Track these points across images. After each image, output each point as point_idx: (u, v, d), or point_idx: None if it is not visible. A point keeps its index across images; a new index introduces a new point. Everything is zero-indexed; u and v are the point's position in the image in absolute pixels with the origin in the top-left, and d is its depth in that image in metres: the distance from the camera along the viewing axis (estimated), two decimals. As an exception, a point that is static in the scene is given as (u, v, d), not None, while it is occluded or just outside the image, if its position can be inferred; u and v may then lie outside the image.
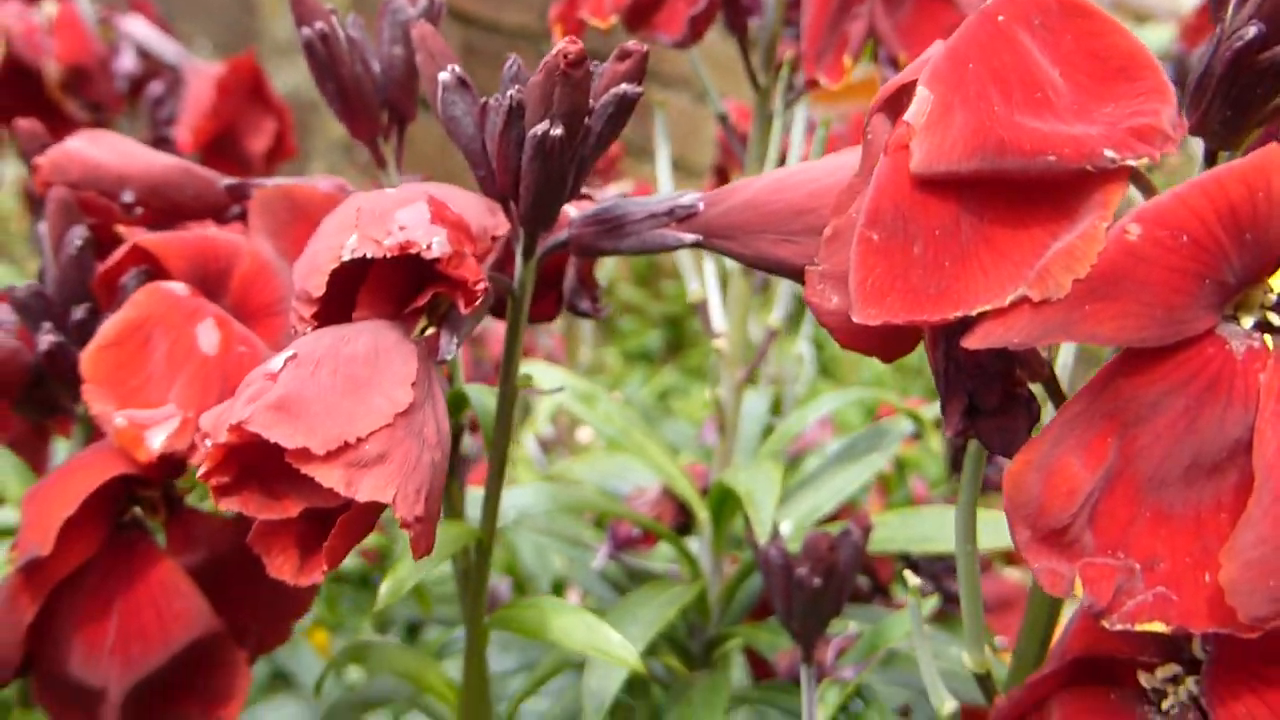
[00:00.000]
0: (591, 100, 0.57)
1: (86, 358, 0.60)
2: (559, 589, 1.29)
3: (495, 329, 1.70)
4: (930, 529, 0.87)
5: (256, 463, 0.49)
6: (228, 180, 0.73)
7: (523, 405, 1.83)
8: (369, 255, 0.52)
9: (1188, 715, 0.45)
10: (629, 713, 0.99)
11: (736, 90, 1.04)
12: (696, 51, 0.92)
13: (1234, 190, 0.37)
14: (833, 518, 0.92)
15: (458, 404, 0.75)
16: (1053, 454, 0.40)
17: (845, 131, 1.27)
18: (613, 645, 0.66)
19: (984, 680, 0.56)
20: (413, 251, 0.52)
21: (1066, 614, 0.56)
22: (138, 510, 0.63)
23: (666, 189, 0.97)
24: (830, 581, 0.70)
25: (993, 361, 0.44)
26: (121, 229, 0.70)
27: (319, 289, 0.53)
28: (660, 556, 1.02)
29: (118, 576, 0.61)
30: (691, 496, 0.94)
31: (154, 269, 0.65)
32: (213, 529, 0.64)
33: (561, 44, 0.53)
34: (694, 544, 0.96)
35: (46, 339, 0.64)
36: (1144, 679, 0.46)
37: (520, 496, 0.87)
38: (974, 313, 0.39)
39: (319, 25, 0.70)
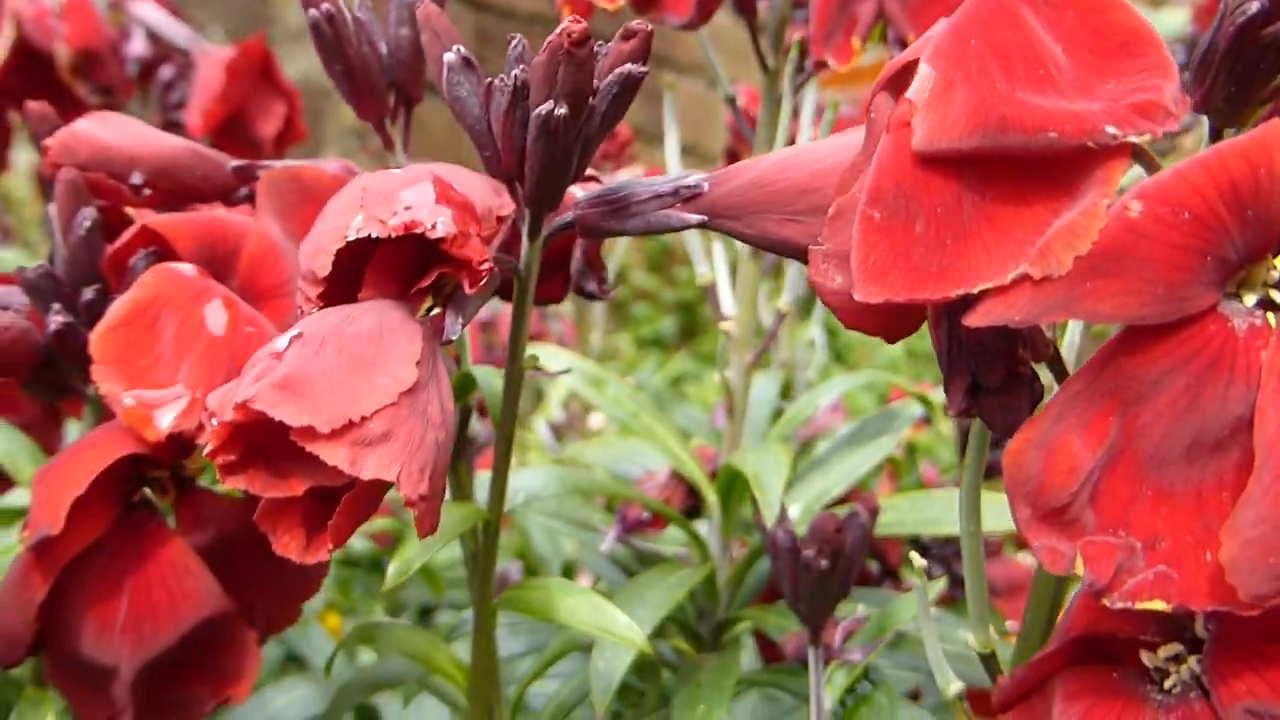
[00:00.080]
0: (596, 80, 0.57)
1: (96, 338, 0.60)
2: (569, 572, 1.29)
3: (506, 313, 1.70)
4: (939, 512, 0.87)
5: (262, 441, 0.49)
6: (235, 162, 0.73)
7: (536, 391, 1.84)
8: (374, 235, 0.52)
9: (1190, 694, 0.45)
10: (638, 695, 0.99)
11: (747, 74, 1.04)
12: (706, 34, 0.92)
13: (1235, 167, 0.37)
14: (842, 501, 0.92)
15: (465, 386, 0.75)
16: (1053, 432, 0.40)
17: (854, 114, 1.27)
18: (619, 626, 0.66)
19: (989, 660, 0.57)
20: (418, 231, 0.52)
21: (1072, 595, 0.56)
22: (147, 490, 0.64)
23: (675, 172, 0.97)
24: (837, 564, 0.70)
25: (995, 340, 0.44)
26: (130, 210, 0.71)
27: (325, 269, 0.53)
28: (670, 540, 1.02)
29: (128, 556, 0.61)
30: (700, 480, 0.94)
31: (162, 250, 0.65)
32: (222, 509, 0.64)
33: (565, 23, 0.53)
34: (703, 527, 0.96)
35: (56, 319, 0.64)
36: (1146, 658, 0.46)
37: (530, 479, 0.87)
38: (975, 290, 0.39)
39: (325, 6, 0.70)
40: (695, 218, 0.59)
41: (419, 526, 0.51)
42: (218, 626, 0.63)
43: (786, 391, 1.30)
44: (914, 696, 0.93)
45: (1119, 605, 0.40)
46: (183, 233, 0.65)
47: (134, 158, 0.70)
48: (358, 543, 1.28)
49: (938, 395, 1.05)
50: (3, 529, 1.01)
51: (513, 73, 0.56)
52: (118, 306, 0.61)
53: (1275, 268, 0.39)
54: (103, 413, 0.68)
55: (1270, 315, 0.39)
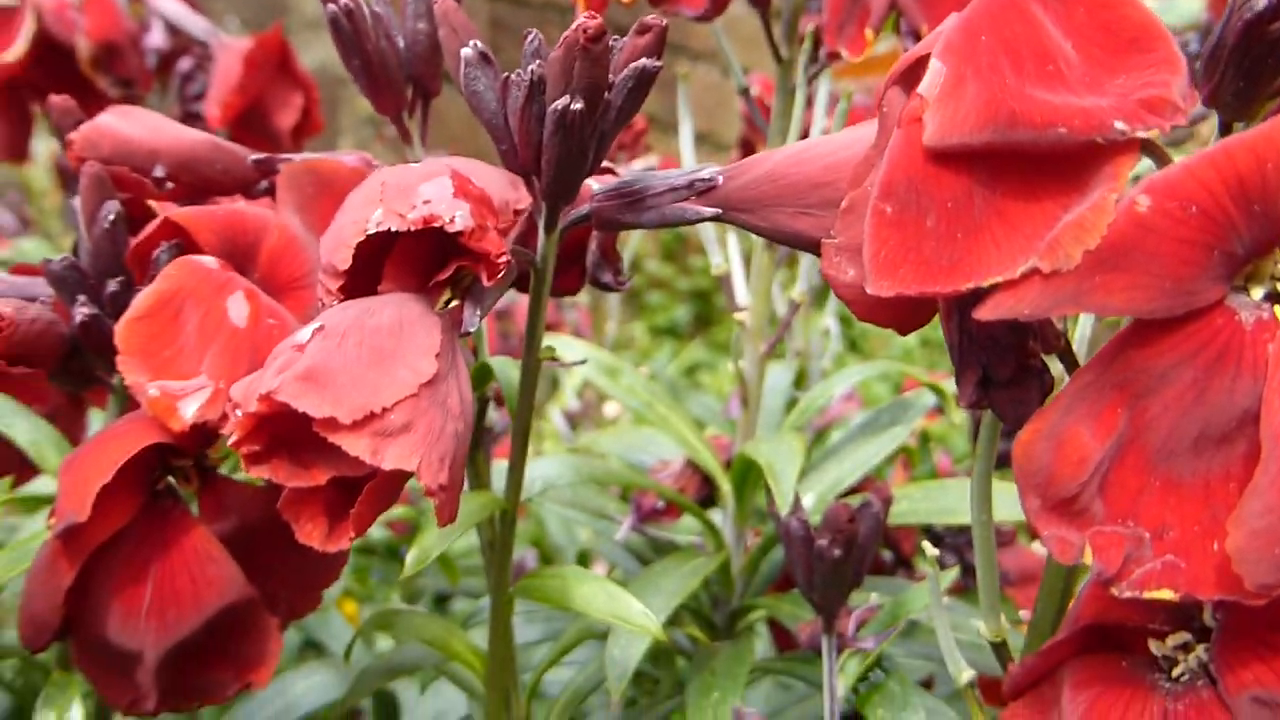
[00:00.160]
0: (612, 75, 0.57)
1: (120, 330, 0.61)
2: (585, 560, 1.30)
3: (522, 304, 1.71)
4: (953, 501, 0.88)
5: (286, 432, 0.50)
6: (255, 155, 0.74)
7: (551, 380, 1.85)
8: (393, 229, 0.53)
9: (1197, 682, 0.45)
10: (653, 682, 1.00)
11: (761, 62, 1.04)
12: (721, 24, 0.93)
13: (1242, 161, 0.37)
14: (856, 490, 0.93)
15: (483, 376, 0.76)
16: (1062, 424, 0.41)
17: (868, 104, 1.27)
18: (634, 614, 0.67)
19: (1000, 649, 0.57)
20: (436, 225, 0.53)
21: (1082, 584, 0.56)
22: (171, 479, 0.65)
23: (689, 163, 0.98)
24: (850, 553, 0.71)
25: (1006, 333, 0.44)
26: (153, 203, 0.72)
27: (345, 262, 0.54)
28: (684, 529, 1.03)
29: (153, 543, 0.62)
30: (715, 469, 0.95)
31: (185, 243, 0.66)
32: (244, 498, 0.65)
33: (581, 19, 0.54)
34: (717, 516, 0.97)
35: (81, 311, 0.65)
36: (1154, 646, 0.46)
37: (545, 468, 0.88)
38: (986, 284, 0.39)
39: (344, 1, 0.71)
40: (709, 211, 0.59)
41: (438, 515, 0.52)
42: (240, 613, 0.64)
43: (801, 381, 1.30)
44: (926, 684, 0.94)
45: (1127, 594, 0.40)
46: (205, 225, 0.66)
47: (155, 151, 0.71)
48: (375, 531, 1.29)
49: (951, 385, 1.05)
50: (29, 516, 1.02)
51: (529, 68, 0.56)
52: (142, 298, 0.62)
53: (1282, 261, 0.40)
54: (127, 403, 0.69)
55: (1277, 308, 0.39)
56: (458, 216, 0.53)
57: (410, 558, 0.68)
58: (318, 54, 2.50)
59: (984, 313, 0.40)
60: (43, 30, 1.14)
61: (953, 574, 0.85)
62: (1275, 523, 0.37)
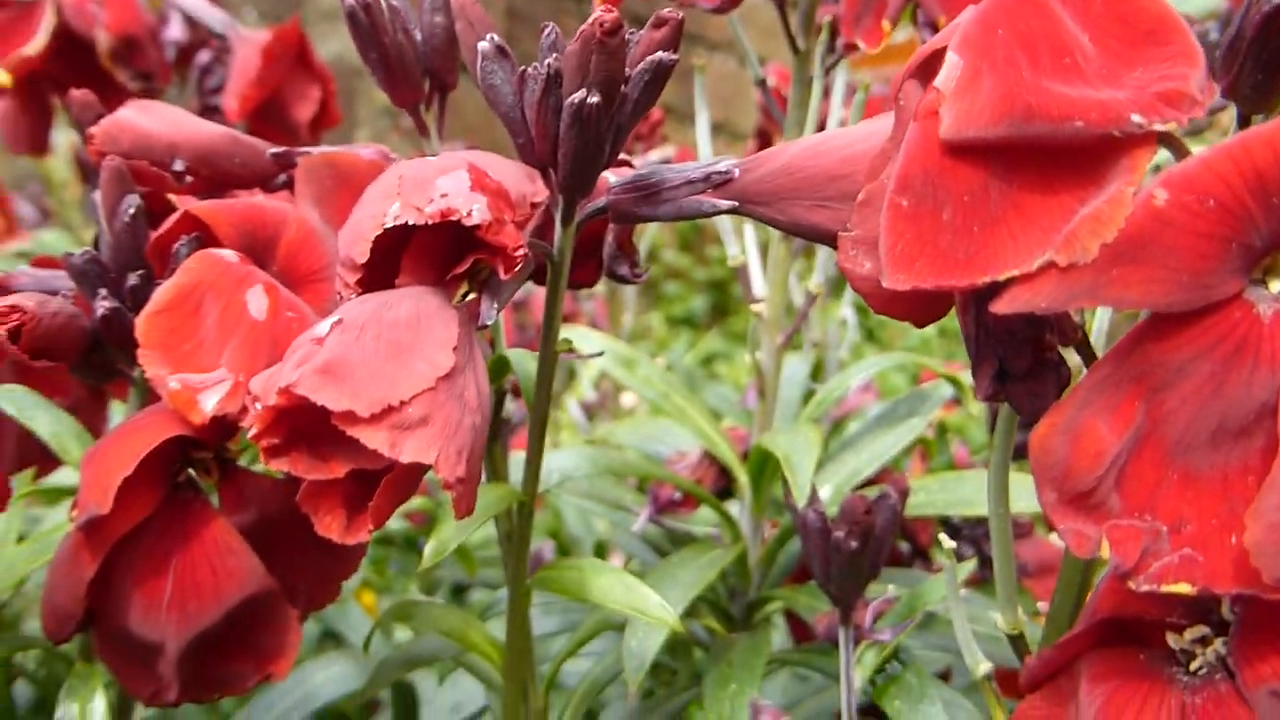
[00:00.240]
0: (628, 68, 0.58)
1: (141, 323, 0.62)
2: (602, 552, 1.31)
3: (538, 295, 1.71)
4: (970, 493, 0.88)
5: (305, 425, 0.50)
6: (274, 149, 0.74)
7: (568, 370, 1.85)
8: (411, 222, 0.53)
9: (1215, 675, 0.45)
10: (670, 674, 1.00)
11: (778, 52, 1.04)
12: (737, 15, 0.92)
13: (1260, 154, 0.37)
14: (873, 481, 0.93)
15: (500, 369, 0.76)
16: (1079, 417, 0.41)
17: (885, 95, 1.26)
18: (651, 606, 0.67)
19: (1017, 641, 0.57)
20: (453, 219, 0.53)
21: (1099, 577, 0.56)
22: (192, 471, 0.65)
23: (706, 154, 0.98)
24: (868, 544, 0.71)
25: (1022, 326, 0.44)
26: (172, 197, 0.72)
27: (363, 256, 0.54)
28: (701, 520, 1.03)
29: (174, 535, 0.63)
30: (732, 460, 0.95)
31: (205, 236, 0.67)
32: (263, 490, 0.66)
33: (597, 13, 0.54)
34: (734, 507, 0.97)
35: (103, 305, 0.66)
36: (1172, 640, 0.46)
37: (563, 460, 0.89)
38: (1002, 278, 0.39)
39: (362, -5, 0.71)
40: (726, 203, 0.59)
41: (456, 508, 0.52)
42: (260, 604, 0.64)
43: (817, 372, 1.30)
44: (944, 676, 0.94)
45: (1145, 588, 0.40)
46: (224, 219, 0.67)
47: (175, 145, 0.72)
48: (393, 522, 1.30)
49: (969, 376, 1.05)
50: (51, 507, 1.03)
51: (546, 61, 0.57)
52: (162, 292, 0.62)
53: (1301, 254, 0.40)
54: (148, 396, 0.70)
55: (1295, 302, 0.39)
56: (475, 210, 0.53)
57: (428, 550, 0.68)
58: (334, 45, 2.50)
59: (1000, 306, 0.40)
60: (63, 24, 1.15)
61: (970, 566, 0.85)
62: (1293, 516, 0.37)
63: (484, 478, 0.78)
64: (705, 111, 0.99)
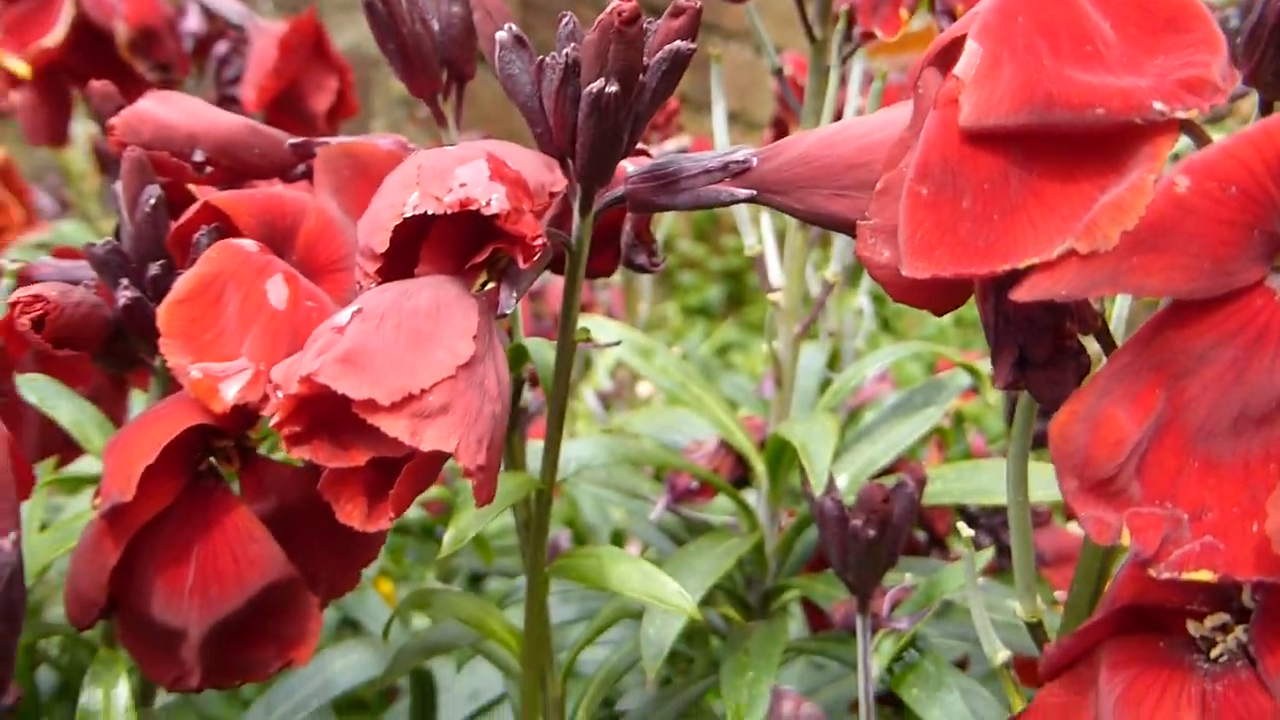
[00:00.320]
0: (646, 57, 0.58)
1: (163, 312, 0.62)
2: (619, 540, 1.31)
3: (555, 284, 1.71)
4: (987, 482, 0.88)
5: (326, 413, 0.51)
6: (292, 139, 0.75)
7: (583, 360, 1.85)
8: (430, 212, 0.53)
9: (1236, 663, 0.45)
10: (687, 662, 1.01)
11: (794, 40, 1.04)
12: (754, 4, 0.92)
13: (1283, 141, 0.37)
14: (889, 471, 0.93)
15: (518, 357, 0.76)
16: (1099, 405, 0.41)
17: (902, 84, 1.26)
18: (670, 594, 0.68)
19: (1036, 629, 0.57)
20: (472, 208, 0.53)
21: (1119, 565, 0.56)
22: (213, 460, 0.65)
23: (723, 143, 0.98)
24: (885, 532, 0.71)
25: (1042, 314, 0.44)
26: (192, 188, 0.73)
27: (382, 245, 0.54)
28: (718, 509, 1.03)
29: (195, 523, 0.63)
30: (749, 449, 0.95)
31: (225, 226, 0.67)
32: (283, 478, 0.66)
33: (616, 2, 0.54)
34: (751, 496, 0.97)
35: (124, 294, 0.66)
36: (1193, 628, 0.46)
37: (580, 449, 0.89)
38: (1022, 266, 0.39)
39: (379, -15, 0.71)
40: (744, 193, 0.60)
41: (476, 496, 0.52)
42: (281, 591, 0.64)
43: (834, 361, 1.30)
44: (961, 665, 0.94)
45: (1165, 575, 0.40)
46: (244, 209, 0.67)
47: (195, 136, 0.72)
48: (410, 511, 1.30)
49: (985, 365, 1.05)
50: (72, 496, 1.04)
51: (564, 51, 0.57)
52: (183, 281, 0.63)
53: (1324, 242, 0.39)
54: (169, 384, 0.70)
55: (1318, 289, 0.39)
56: (494, 199, 0.53)
57: (447, 538, 0.69)
58: (349, 36, 2.51)
59: (1020, 294, 0.40)
60: (81, 15, 1.15)
61: (987, 555, 0.85)
62: (1315, 504, 0.37)
63: (502, 466, 0.78)
64: (721, 101, 0.99)
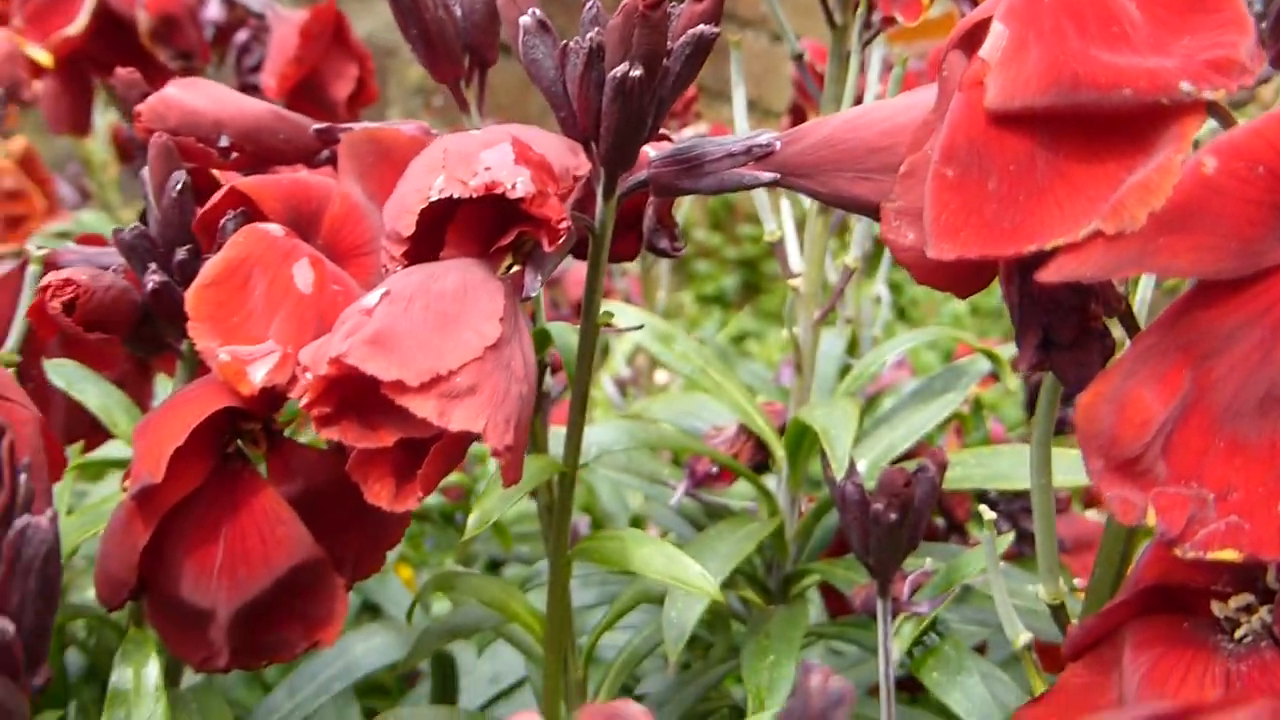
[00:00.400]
0: (669, 41, 0.58)
1: (190, 296, 0.63)
2: (637, 526, 1.31)
3: (572, 272, 1.72)
4: (1006, 467, 0.88)
5: (354, 395, 0.51)
6: (317, 125, 0.75)
7: (602, 347, 1.86)
8: (456, 195, 0.54)
9: (1260, 644, 0.45)
10: (707, 646, 1.01)
11: (813, 29, 1.04)
12: (772, -9, 0.92)
13: (1312, 121, 0.37)
14: (908, 456, 0.93)
15: (540, 341, 0.77)
16: (1125, 386, 0.41)
17: (922, 70, 1.26)
18: (692, 575, 0.68)
19: (1058, 611, 0.57)
20: (498, 192, 0.53)
21: (1140, 549, 0.56)
22: (241, 442, 0.66)
23: (743, 130, 0.98)
24: (906, 516, 0.71)
25: (1068, 295, 0.44)
26: (218, 173, 0.73)
27: (409, 229, 0.55)
28: (737, 494, 1.04)
29: (224, 505, 0.64)
30: (769, 434, 0.95)
31: (251, 211, 0.68)
32: (310, 461, 0.67)
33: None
34: (771, 481, 0.97)
35: (152, 279, 0.67)
36: (1217, 608, 0.46)
37: (601, 434, 0.89)
38: (1048, 247, 0.40)
39: (403, -29, 0.71)
40: (768, 176, 0.60)
41: (504, 476, 0.53)
42: (308, 573, 0.65)
43: (852, 348, 1.30)
44: (980, 650, 0.94)
45: (1190, 555, 0.40)
46: (269, 194, 0.67)
47: (220, 122, 0.73)
48: (429, 497, 1.31)
49: (1004, 351, 1.05)
50: (96, 482, 1.05)
51: (588, 35, 0.57)
52: (211, 266, 0.63)
53: (1350, 222, 0.39)
54: (195, 368, 0.71)
55: (1345, 269, 0.39)
56: (519, 183, 0.54)
57: (471, 520, 0.69)
58: (367, 24, 2.51)
59: (1047, 275, 0.40)
60: (103, 4, 1.16)
61: (1007, 540, 0.85)
62: (1341, 483, 0.37)
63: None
64: (741, 87, 0.99)
